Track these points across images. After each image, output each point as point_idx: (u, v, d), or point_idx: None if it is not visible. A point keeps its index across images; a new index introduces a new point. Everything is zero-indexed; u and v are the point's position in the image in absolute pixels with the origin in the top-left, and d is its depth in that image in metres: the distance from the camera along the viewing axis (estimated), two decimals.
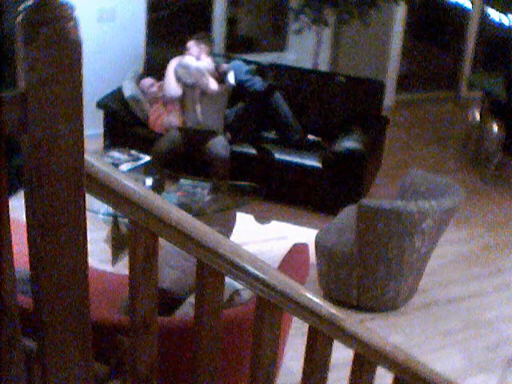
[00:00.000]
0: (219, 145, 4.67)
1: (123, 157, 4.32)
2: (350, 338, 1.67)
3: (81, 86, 0.97)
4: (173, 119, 4.89)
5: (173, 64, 4.99)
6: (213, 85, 4.89)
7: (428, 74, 8.21)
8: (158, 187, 4.11)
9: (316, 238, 3.84)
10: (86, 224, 1.06)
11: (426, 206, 3.45)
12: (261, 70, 5.32)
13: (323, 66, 6.40)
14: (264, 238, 4.51)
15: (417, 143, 6.44)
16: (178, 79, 4.91)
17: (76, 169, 1.01)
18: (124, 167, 4.17)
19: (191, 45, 5.02)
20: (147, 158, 4.38)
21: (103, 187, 1.13)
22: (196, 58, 4.97)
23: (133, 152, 4.38)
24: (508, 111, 5.65)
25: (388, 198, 4.18)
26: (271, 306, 1.51)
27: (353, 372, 1.83)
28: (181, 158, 4.75)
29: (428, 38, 8.28)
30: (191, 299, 2.25)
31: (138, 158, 4.34)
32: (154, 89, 5.12)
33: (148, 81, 5.19)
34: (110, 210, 3.65)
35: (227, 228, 4.43)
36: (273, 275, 1.47)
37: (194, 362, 1.47)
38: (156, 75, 5.27)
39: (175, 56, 5.08)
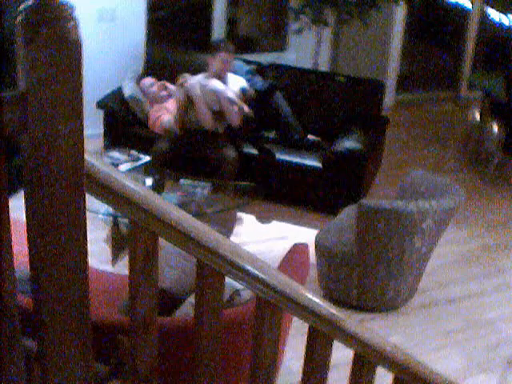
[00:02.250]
0: (227, 146, 4.66)
1: (122, 157, 4.32)
2: (350, 338, 1.67)
3: (81, 86, 0.97)
4: (171, 120, 4.86)
5: (197, 88, 4.63)
6: (237, 119, 4.65)
7: (428, 73, 8.21)
8: (157, 187, 4.11)
9: (316, 238, 3.84)
10: (86, 224, 1.06)
11: (425, 206, 3.45)
12: (261, 69, 5.32)
13: (323, 66, 6.40)
14: (264, 238, 4.50)
15: (417, 143, 6.44)
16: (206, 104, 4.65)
17: (76, 169, 1.01)
18: (123, 167, 4.17)
19: (221, 58, 4.61)
20: (147, 158, 4.38)
21: (103, 187, 1.13)
22: (218, 77, 4.68)
23: (132, 152, 4.38)
24: (508, 111, 5.65)
25: (388, 198, 4.18)
26: (271, 306, 1.51)
27: (353, 372, 1.83)
28: (181, 158, 4.75)
29: (428, 38, 8.28)
30: (191, 299, 2.25)
31: (138, 159, 4.34)
32: (154, 89, 5.12)
33: (148, 80, 5.19)
34: (110, 210, 3.65)
35: (227, 228, 4.43)
36: (273, 275, 1.47)
37: (194, 361, 1.47)
38: (156, 75, 5.27)
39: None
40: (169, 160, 4.61)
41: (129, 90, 5.10)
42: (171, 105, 4.98)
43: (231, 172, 4.57)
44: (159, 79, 5.21)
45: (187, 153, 4.76)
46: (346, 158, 4.64)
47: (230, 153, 4.61)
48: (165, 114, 4.95)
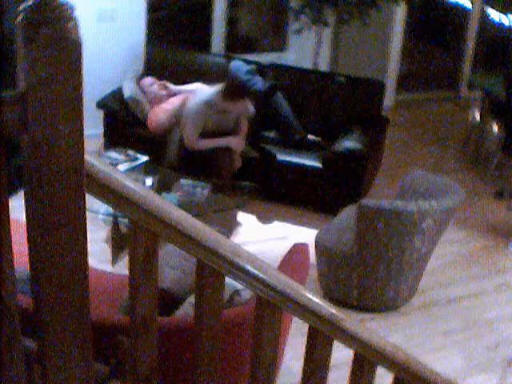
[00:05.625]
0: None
1: (120, 157, 4.30)
2: (350, 338, 1.67)
3: (81, 86, 0.97)
4: (164, 118, 4.85)
5: (199, 104, 4.53)
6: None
7: (428, 73, 8.20)
8: (163, 187, 4.11)
9: (316, 238, 3.84)
10: (86, 224, 1.06)
11: (426, 206, 3.45)
12: (261, 69, 5.32)
13: (323, 66, 6.40)
14: (264, 238, 4.50)
15: (417, 143, 6.44)
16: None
17: (76, 169, 1.01)
18: (121, 167, 4.16)
19: (243, 105, 4.59)
20: (144, 158, 4.37)
21: (103, 187, 1.13)
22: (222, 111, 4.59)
23: (130, 152, 4.37)
24: (508, 111, 5.65)
25: (388, 198, 4.18)
26: (271, 306, 1.51)
27: (353, 372, 1.83)
28: (188, 162, 4.69)
29: (428, 38, 8.28)
30: (191, 299, 2.25)
31: (136, 159, 4.33)
32: (155, 88, 5.11)
33: (149, 80, 5.19)
34: (110, 210, 3.65)
35: (227, 228, 4.43)
36: (273, 275, 1.47)
37: (194, 361, 1.47)
38: (156, 75, 5.26)
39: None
40: (183, 163, 4.58)
41: (128, 90, 5.10)
42: (170, 105, 4.98)
43: (231, 172, 4.57)
44: (159, 79, 5.21)
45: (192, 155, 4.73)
46: (346, 158, 4.64)
47: (230, 152, 4.60)
48: (161, 114, 4.94)
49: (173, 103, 4.96)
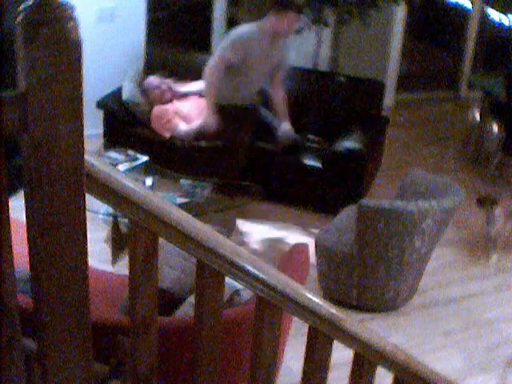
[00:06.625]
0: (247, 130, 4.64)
1: (120, 157, 4.30)
2: (350, 338, 1.67)
3: (81, 86, 0.97)
4: (188, 132, 4.82)
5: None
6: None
7: (428, 73, 8.21)
8: (163, 187, 4.12)
9: (316, 238, 3.84)
10: (86, 224, 1.06)
11: (425, 205, 3.45)
12: None
13: (323, 66, 6.40)
14: (264, 238, 4.50)
15: (417, 143, 6.44)
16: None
17: (76, 169, 1.01)
18: (121, 168, 4.16)
19: (290, 18, 4.32)
20: (145, 158, 4.37)
21: (103, 187, 1.13)
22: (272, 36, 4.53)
23: (130, 152, 4.36)
24: (508, 111, 5.65)
25: (388, 198, 4.18)
26: (271, 306, 1.51)
27: (353, 372, 1.83)
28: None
29: (428, 38, 8.29)
30: (191, 299, 2.25)
31: (136, 159, 4.33)
32: (160, 87, 5.08)
33: (154, 80, 5.14)
34: (110, 210, 3.65)
35: (227, 228, 4.43)
36: (273, 275, 1.47)
37: (193, 361, 1.47)
38: (157, 75, 5.26)
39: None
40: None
41: (127, 92, 5.09)
42: (184, 108, 4.94)
43: (237, 169, 4.56)
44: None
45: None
46: (346, 158, 4.63)
47: (239, 150, 4.60)
48: (176, 119, 4.90)
49: (185, 106, 4.92)
